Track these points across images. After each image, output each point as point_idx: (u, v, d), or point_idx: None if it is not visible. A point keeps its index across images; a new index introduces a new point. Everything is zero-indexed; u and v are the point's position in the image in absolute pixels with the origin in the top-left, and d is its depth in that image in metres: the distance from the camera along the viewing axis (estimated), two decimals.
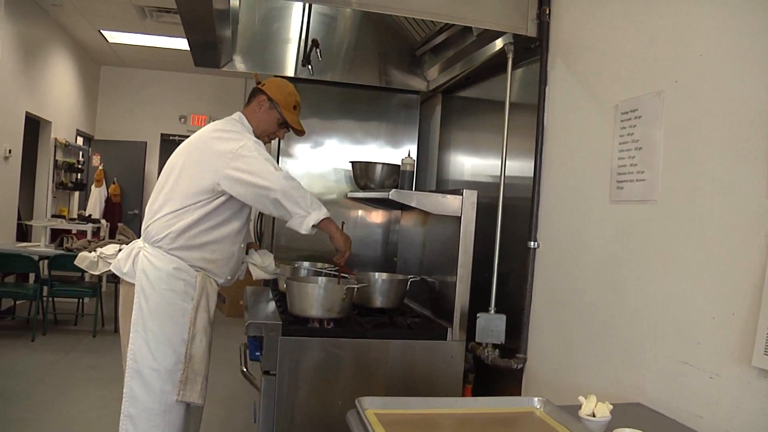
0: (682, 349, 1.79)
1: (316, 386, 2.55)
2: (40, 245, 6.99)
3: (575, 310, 2.35)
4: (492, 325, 2.66)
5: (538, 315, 2.61)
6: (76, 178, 9.52)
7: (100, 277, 6.52)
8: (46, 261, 6.35)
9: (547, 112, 2.64)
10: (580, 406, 1.63)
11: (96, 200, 9.96)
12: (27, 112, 7.56)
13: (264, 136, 2.76)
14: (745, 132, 1.62)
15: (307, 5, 3.67)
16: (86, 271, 2.89)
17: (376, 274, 3.22)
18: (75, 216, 8.73)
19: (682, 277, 1.82)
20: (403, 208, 3.72)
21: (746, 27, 1.66)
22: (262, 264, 2.91)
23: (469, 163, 3.65)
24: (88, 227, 8.15)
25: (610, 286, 2.15)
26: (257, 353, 2.56)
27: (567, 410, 1.66)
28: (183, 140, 2.74)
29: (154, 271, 2.51)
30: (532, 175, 2.66)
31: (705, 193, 1.75)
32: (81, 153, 9.83)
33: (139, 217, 9.96)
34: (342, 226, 2.73)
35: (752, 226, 1.58)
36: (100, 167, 10.20)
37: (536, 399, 1.76)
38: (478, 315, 2.66)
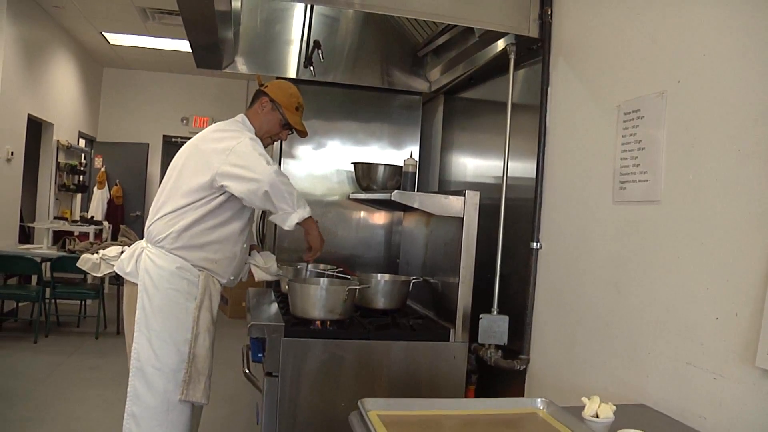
0: (686, 349, 1.79)
1: (319, 388, 2.55)
2: (43, 247, 7.01)
3: (578, 311, 2.34)
4: (495, 326, 2.65)
5: (541, 316, 2.60)
6: (79, 180, 9.54)
7: (102, 278, 6.52)
8: (48, 263, 6.36)
9: (550, 113, 2.64)
10: (583, 407, 1.63)
11: (98, 202, 9.97)
12: (29, 114, 7.57)
13: (267, 137, 2.78)
14: (748, 132, 1.61)
15: (308, 6, 3.67)
16: (88, 273, 2.90)
17: (379, 275, 3.22)
18: (77, 218, 8.73)
19: (685, 277, 1.81)
20: (406, 209, 3.73)
21: (748, 27, 1.66)
22: (265, 266, 2.91)
23: (472, 164, 3.65)
24: (91, 229, 8.16)
25: (612, 287, 2.14)
26: (260, 355, 2.56)
27: (570, 411, 1.65)
28: (185, 142, 2.75)
29: (157, 270, 2.52)
30: (534, 175, 2.66)
31: (708, 193, 1.75)
32: (83, 155, 9.84)
33: (142, 219, 9.98)
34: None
35: (755, 226, 1.57)
36: (103, 169, 10.21)
37: (539, 400, 1.76)
38: (480, 316, 2.66)
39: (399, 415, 1.63)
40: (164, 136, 10.89)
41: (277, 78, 3.46)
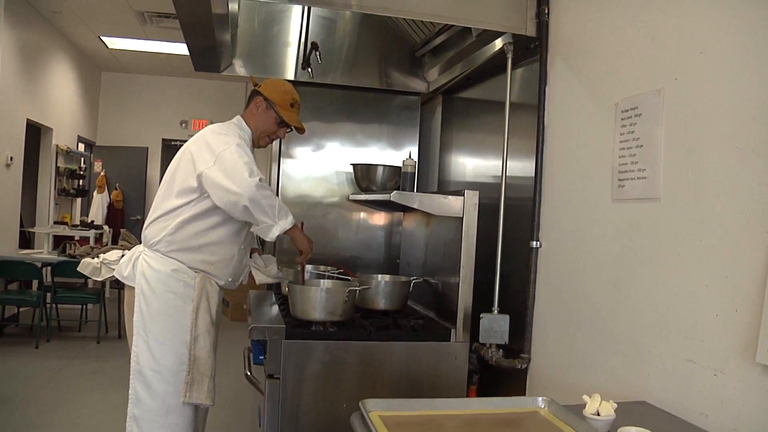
0: (686, 346, 1.79)
1: (320, 389, 2.55)
2: (43, 252, 7.01)
3: (578, 309, 2.34)
4: (495, 326, 2.65)
5: (542, 314, 2.60)
6: (78, 185, 9.54)
7: (103, 283, 6.53)
8: (49, 268, 6.36)
9: (548, 112, 2.64)
10: (584, 405, 1.63)
11: (98, 206, 9.98)
12: (28, 119, 7.58)
13: (264, 137, 2.76)
14: (746, 128, 1.62)
15: (306, 8, 3.67)
16: (89, 278, 2.91)
17: (379, 276, 3.22)
18: (77, 222, 8.73)
19: (685, 274, 1.81)
20: (405, 209, 3.73)
21: (746, 24, 1.66)
22: (265, 268, 2.92)
23: (471, 164, 3.65)
24: (91, 233, 8.17)
25: (612, 285, 2.15)
26: (261, 357, 2.56)
27: (572, 409, 1.66)
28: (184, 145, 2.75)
29: (153, 273, 2.53)
30: (533, 174, 2.66)
31: (707, 190, 1.75)
32: (82, 159, 9.84)
33: (142, 223, 9.88)
34: (302, 226, 2.75)
35: (754, 223, 1.57)
36: (102, 173, 10.22)
37: (540, 399, 1.76)
38: (481, 316, 2.66)
39: (400, 415, 1.63)
40: (163, 140, 10.90)
41: None
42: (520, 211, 2.75)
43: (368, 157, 4.00)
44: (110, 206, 10.25)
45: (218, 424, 3.96)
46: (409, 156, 3.40)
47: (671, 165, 1.89)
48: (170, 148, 10.54)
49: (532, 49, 2.75)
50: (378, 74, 3.92)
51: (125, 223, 10.16)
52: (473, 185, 3.44)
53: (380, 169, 3.45)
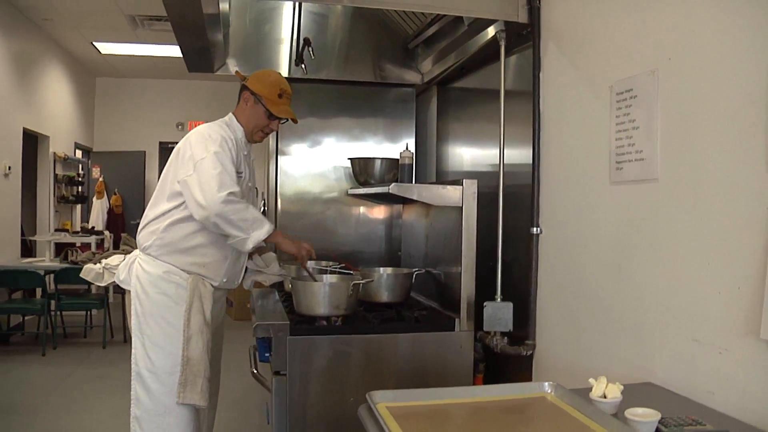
0: (690, 326, 1.79)
1: (327, 383, 2.55)
2: (45, 260, 7.02)
3: (581, 293, 2.35)
4: (499, 314, 2.66)
5: (545, 300, 2.61)
6: (77, 191, 9.54)
7: (106, 288, 6.53)
8: (52, 275, 6.37)
9: (543, 98, 2.64)
10: (591, 389, 1.64)
11: (98, 212, 9.98)
12: (24, 128, 7.57)
13: (257, 131, 2.74)
14: (743, 106, 1.61)
15: (297, 5, 3.67)
16: (92, 283, 2.92)
17: (381, 269, 3.22)
18: (78, 229, 8.73)
19: (686, 254, 1.82)
20: (405, 201, 3.73)
21: (738, 2, 1.65)
22: (266, 267, 2.91)
23: (468, 154, 3.65)
24: (92, 239, 8.17)
25: (614, 267, 2.15)
26: (266, 354, 2.57)
27: (578, 393, 1.66)
28: None
29: (146, 276, 2.57)
30: (531, 161, 2.66)
31: (705, 169, 1.75)
32: (80, 166, 9.83)
33: None
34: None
35: (753, 200, 1.58)
36: (101, 179, 10.21)
37: (547, 384, 1.76)
38: (484, 304, 2.66)
39: (408, 406, 1.64)
40: (160, 143, 10.88)
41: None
42: (519, 199, 2.75)
43: (365, 151, 3.99)
44: (110, 211, 10.24)
45: (227, 425, 3.96)
46: (406, 148, 3.40)
47: (668, 145, 1.89)
48: (167, 151, 10.39)
49: (524, 35, 2.74)
50: (372, 68, 3.91)
51: (126, 228, 10.14)
52: (471, 175, 3.43)
53: (378, 162, 3.45)
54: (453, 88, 3.89)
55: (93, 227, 8.99)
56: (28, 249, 7.96)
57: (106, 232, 8.94)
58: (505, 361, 2.77)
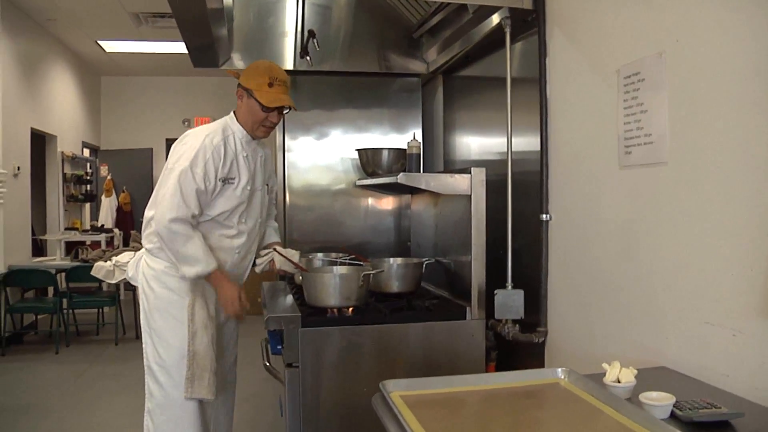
0: (703, 308, 1.78)
1: (340, 374, 2.56)
2: (56, 259, 7.06)
3: (593, 279, 2.34)
4: (510, 301, 2.65)
5: (556, 287, 2.60)
6: (86, 190, 9.58)
7: (117, 285, 6.58)
8: (63, 274, 6.42)
9: (549, 84, 2.63)
10: (604, 374, 1.63)
11: (107, 210, 10.02)
12: (32, 128, 7.60)
13: (257, 127, 2.64)
14: (750, 84, 1.60)
15: None
16: (104, 281, 2.94)
17: (391, 259, 3.21)
18: (88, 227, 8.78)
19: (696, 236, 1.81)
20: (413, 191, 3.72)
21: None
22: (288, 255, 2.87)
23: (476, 142, 3.63)
24: (102, 237, 8.21)
25: (625, 252, 2.14)
26: (279, 347, 2.57)
27: (592, 378, 1.66)
28: None
29: (150, 271, 2.60)
30: (539, 148, 2.65)
31: (713, 150, 1.73)
32: (88, 164, 9.87)
33: None
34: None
35: (764, 180, 1.56)
36: (109, 177, 10.25)
37: (560, 370, 1.76)
38: (495, 292, 2.66)
39: (421, 394, 1.64)
40: (167, 140, 10.88)
41: None
42: (527, 186, 2.74)
43: (372, 141, 3.99)
44: (119, 209, 10.29)
45: (241, 418, 3.97)
46: (414, 137, 3.39)
47: (676, 128, 1.88)
48: None
49: (529, 22, 2.73)
50: (376, 58, 3.91)
51: (135, 225, 10.18)
52: (479, 163, 3.43)
53: (385, 153, 3.45)
54: (459, 77, 3.87)
55: (102, 225, 9.04)
56: (38, 248, 8.00)
57: (116, 230, 8.98)
58: (517, 348, 2.77)
